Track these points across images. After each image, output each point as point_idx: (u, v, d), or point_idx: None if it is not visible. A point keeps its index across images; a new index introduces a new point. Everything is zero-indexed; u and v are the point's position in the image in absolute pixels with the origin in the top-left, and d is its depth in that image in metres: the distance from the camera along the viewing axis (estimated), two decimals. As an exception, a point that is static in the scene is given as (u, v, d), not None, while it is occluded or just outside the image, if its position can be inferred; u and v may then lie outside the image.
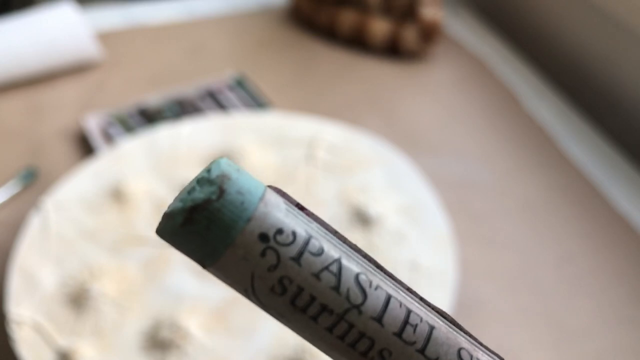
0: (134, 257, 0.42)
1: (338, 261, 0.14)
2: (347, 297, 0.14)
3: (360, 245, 0.43)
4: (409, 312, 0.14)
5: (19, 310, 0.38)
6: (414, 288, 0.40)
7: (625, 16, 0.57)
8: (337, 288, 0.14)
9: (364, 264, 0.15)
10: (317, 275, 0.14)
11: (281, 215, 0.14)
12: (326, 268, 0.14)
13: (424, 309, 0.15)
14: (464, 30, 0.69)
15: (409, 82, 0.62)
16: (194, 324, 0.38)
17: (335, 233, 0.15)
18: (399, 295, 0.15)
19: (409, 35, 0.63)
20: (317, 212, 0.45)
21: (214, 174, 0.14)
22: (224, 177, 0.14)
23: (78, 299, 0.39)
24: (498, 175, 0.53)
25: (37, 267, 0.41)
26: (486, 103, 0.60)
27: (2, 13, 0.68)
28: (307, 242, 0.14)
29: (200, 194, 0.13)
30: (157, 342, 0.37)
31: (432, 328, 0.14)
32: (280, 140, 0.50)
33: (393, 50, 0.65)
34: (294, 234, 0.14)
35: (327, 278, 0.14)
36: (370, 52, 0.65)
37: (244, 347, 0.38)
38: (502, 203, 0.50)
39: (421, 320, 0.14)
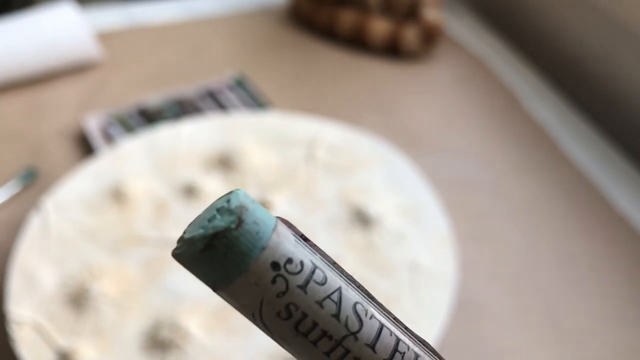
0: (134, 257, 0.42)
1: (339, 290, 0.15)
2: (346, 325, 0.15)
3: (360, 245, 0.43)
4: (398, 340, 0.16)
5: (19, 310, 0.38)
6: (414, 288, 0.40)
7: (625, 16, 0.57)
8: (337, 315, 0.15)
9: (359, 294, 0.16)
10: (320, 303, 0.15)
11: (291, 245, 0.15)
12: (328, 297, 0.15)
13: (409, 338, 0.16)
14: (464, 30, 0.69)
15: (409, 82, 0.62)
16: (194, 324, 0.38)
17: (334, 264, 0.16)
18: (389, 324, 0.16)
19: (410, 36, 0.63)
20: (317, 212, 0.45)
21: (234, 204, 0.15)
22: (242, 208, 0.14)
23: (78, 299, 0.39)
24: (498, 175, 0.53)
25: (37, 267, 0.41)
26: (486, 103, 0.60)
27: (2, 13, 0.68)
28: (312, 272, 0.15)
29: (221, 222, 0.14)
30: (157, 342, 0.37)
31: (417, 356, 0.16)
32: (280, 140, 0.50)
33: (393, 51, 0.65)
34: (301, 263, 0.15)
35: (329, 306, 0.15)
36: (370, 52, 0.65)
37: (244, 347, 0.38)
38: (502, 203, 0.50)
39: (408, 348, 0.16)
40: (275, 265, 0.14)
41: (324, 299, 0.15)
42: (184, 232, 0.15)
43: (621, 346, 0.42)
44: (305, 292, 0.15)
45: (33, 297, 0.39)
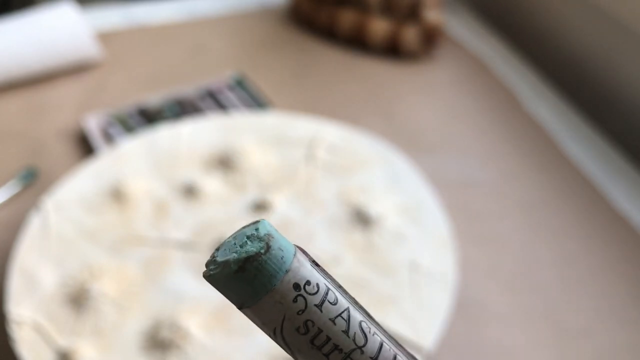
0: (134, 257, 0.42)
1: (348, 310, 0.17)
2: (354, 340, 0.17)
3: (360, 245, 0.43)
4: (395, 355, 0.18)
5: (19, 310, 0.38)
6: (414, 288, 0.40)
7: (625, 16, 0.57)
8: (347, 332, 0.17)
9: (363, 314, 0.18)
10: (333, 320, 0.17)
11: (308, 269, 0.17)
12: (340, 315, 0.17)
13: (402, 354, 0.19)
14: (464, 31, 0.69)
15: (409, 82, 0.62)
16: (194, 324, 0.38)
17: (339, 287, 0.18)
18: (387, 340, 0.18)
19: (410, 36, 0.63)
20: (317, 212, 0.45)
21: (262, 232, 0.17)
22: (269, 236, 0.17)
23: (78, 299, 0.39)
24: (498, 175, 0.53)
25: (37, 267, 0.41)
26: (486, 103, 0.60)
27: (2, 13, 0.68)
28: (326, 293, 0.17)
29: (252, 248, 0.16)
30: (157, 342, 0.38)
31: None
32: (280, 140, 0.50)
33: (393, 51, 0.65)
34: (317, 285, 0.17)
35: (340, 323, 0.17)
36: (370, 52, 0.65)
37: (244, 347, 0.38)
38: (502, 203, 0.50)
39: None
40: (296, 286, 0.17)
41: (336, 317, 0.17)
42: (215, 256, 0.17)
43: (620, 346, 0.42)
44: (321, 311, 0.17)
45: (33, 297, 0.39)
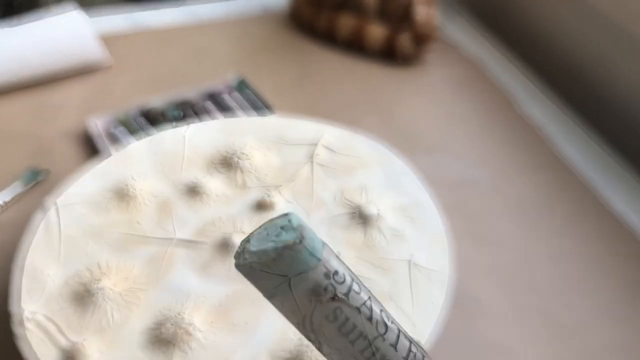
0: (139, 256, 0.43)
1: (370, 299, 0.18)
2: (376, 327, 0.18)
3: (359, 244, 0.44)
4: (410, 343, 0.19)
5: (26, 308, 0.39)
6: (412, 286, 0.41)
7: (619, 19, 0.58)
8: (370, 319, 0.18)
9: (378, 304, 0.19)
10: (358, 309, 0.18)
11: (335, 261, 0.18)
12: (364, 304, 0.18)
13: (414, 342, 0.20)
14: (459, 34, 0.70)
15: (406, 85, 0.63)
16: (197, 321, 0.39)
17: (358, 279, 0.19)
18: (401, 329, 0.19)
19: (404, 40, 0.64)
20: (317, 212, 0.46)
21: (295, 223, 0.17)
22: (302, 227, 0.17)
23: (83, 297, 0.40)
24: (494, 176, 0.54)
25: (43, 266, 0.41)
26: (482, 105, 0.61)
27: (6, 16, 0.69)
28: (351, 283, 0.18)
29: (287, 237, 0.17)
30: (161, 339, 0.38)
31: (423, 356, 0.20)
32: (281, 141, 0.51)
33: (390, 55, 0.66)
34: (344, 275, 0.18)
35: (365, 311, 0.18)
36: (369, 55, 0.66)
37: (246, 343, 0.38)
38: (497, 202, 0.51)
39: (417, 349, 0.19)
40: (327, 275, 0.17)
41: (361, 305, 0.18)
42: (250, 246, 0.17)
43: (614, 343, 0.42)
44: (348, 299, 0.18)
45: (39, 295, 0.40)
